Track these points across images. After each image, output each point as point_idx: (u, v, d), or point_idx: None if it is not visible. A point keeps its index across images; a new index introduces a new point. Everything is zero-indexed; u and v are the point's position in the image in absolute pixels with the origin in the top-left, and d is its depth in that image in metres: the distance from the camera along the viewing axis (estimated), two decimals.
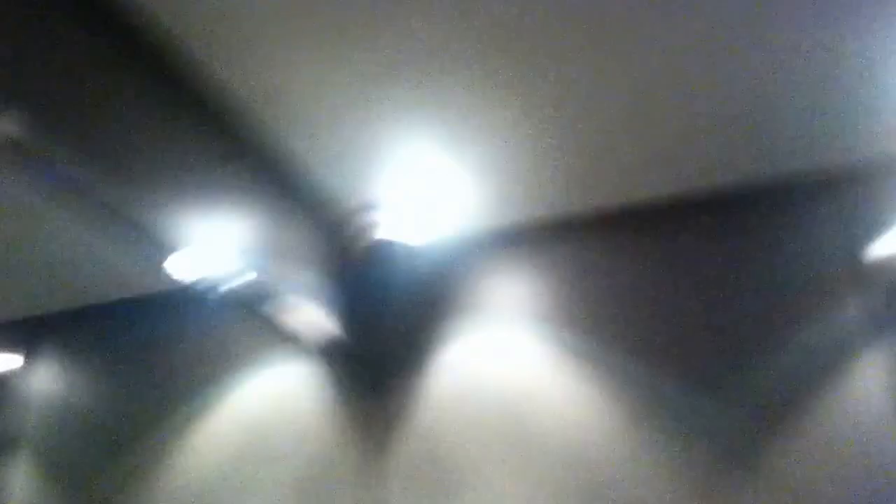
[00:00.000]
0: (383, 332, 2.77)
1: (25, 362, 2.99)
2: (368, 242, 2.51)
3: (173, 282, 2.14)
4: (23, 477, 2.97)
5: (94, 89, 1.76)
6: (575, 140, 2.27)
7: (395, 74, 2.02)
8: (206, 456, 2.74)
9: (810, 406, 2.16)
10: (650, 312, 2.42)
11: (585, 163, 2.37)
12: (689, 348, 2.33)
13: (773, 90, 2.03)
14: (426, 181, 2.44)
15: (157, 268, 2.02)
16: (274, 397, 2.73)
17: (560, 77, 2.03)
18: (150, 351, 2.95)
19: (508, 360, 2.54)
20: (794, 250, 2.32)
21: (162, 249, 1.93)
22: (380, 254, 2.53)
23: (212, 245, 2.05)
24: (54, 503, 2.89)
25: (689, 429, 2.25)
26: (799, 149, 2.26)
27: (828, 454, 2.10)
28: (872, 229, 2.24)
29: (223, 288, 2.07)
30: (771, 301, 2.29)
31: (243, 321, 2.71)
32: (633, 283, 2.47)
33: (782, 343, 2.24)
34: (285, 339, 2.47)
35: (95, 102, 1.76)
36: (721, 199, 2.45)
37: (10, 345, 3.00)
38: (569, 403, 2.40)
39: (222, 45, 1.93)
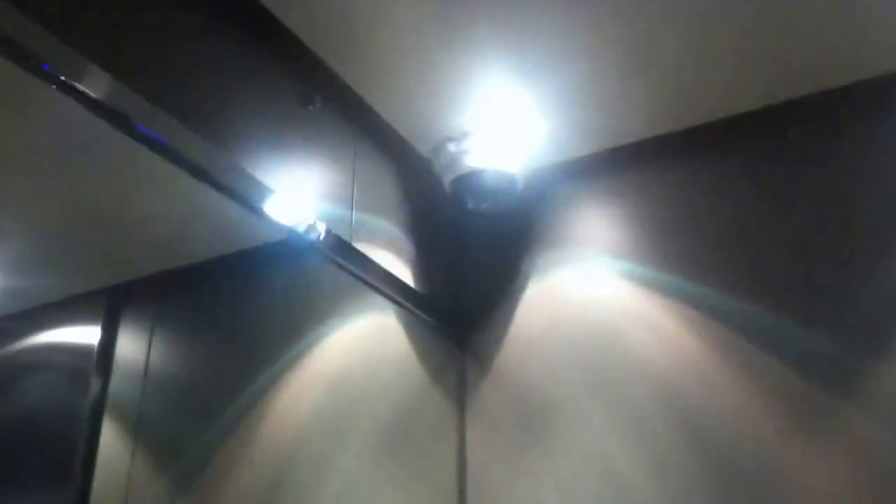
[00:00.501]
0: (466, 275, 2.72)
1: (112, 330, 3.01)
2: (457, 173, 2.46)
3: (259, 237, 2.15)
4: (111, 446, 3.00)
5: (173, 46, 1.73)
6: (665, 59, 2.17)
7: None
8: (292, 413, 2.71)
9: None
10: (737, 239, 2.29)
11: (675, 82, 2.26)
12: (781, 274, 2.20)
13: None
14: (512, 111, 2.36)
15: (243, 223, 2.03)
16: (358, 349, 2.66)
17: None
18: (237, 311, 2.91)
19: (594, 297, 2.44)
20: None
21: (248, 202, 1.93)
22: (469, 184, 2.48)
23: (298, 194, 2.00)
24: (144, 471, 2.92)
25: (787, 359, 2.11)
26: None
27: None
28: None
29: (312, 237, 2.06)
30: (871, 218, 2.14)
31: (328, 272, 2.71)
32: (717, 208, 2.35)
33: (884, 262, 2.09)
34: (369, 288, 2.46)
35: (175, 58, 1.73)
36: (813, 109, 2.29)
37: (96, 314, 3.02)
38: (658, 339, 2.29)
39: None
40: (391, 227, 2.46)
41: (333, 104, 2.25)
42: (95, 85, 1.47)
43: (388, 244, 2.43)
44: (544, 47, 2.12)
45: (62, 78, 1.41)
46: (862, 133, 2.23)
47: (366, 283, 2.35)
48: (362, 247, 2.27)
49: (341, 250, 2.18)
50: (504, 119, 2.39)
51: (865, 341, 2.06)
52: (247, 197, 1.87)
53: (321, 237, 2.05)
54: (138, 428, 2.94)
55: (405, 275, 2.47)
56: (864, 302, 2.09)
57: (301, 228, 2.01)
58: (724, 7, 1.99)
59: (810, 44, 2.12)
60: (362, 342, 2.69)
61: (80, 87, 1.43)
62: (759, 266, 2.25)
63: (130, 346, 3.03)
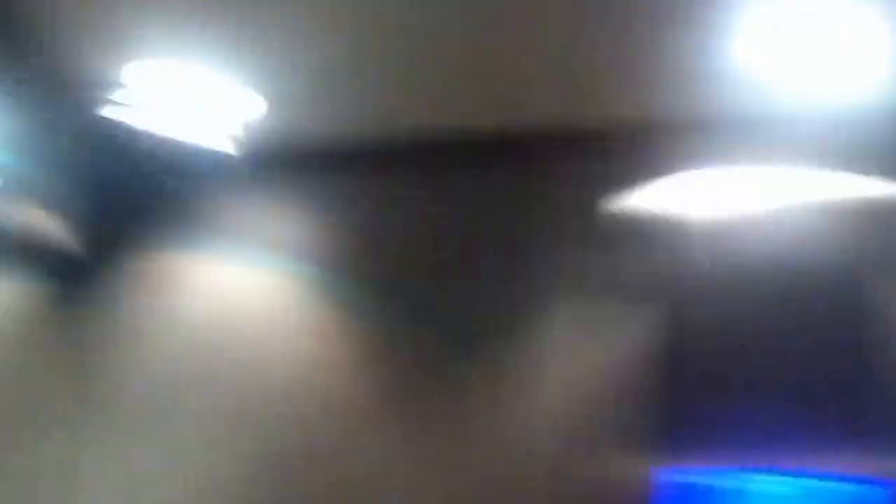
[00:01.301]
0: (109, 240, 2.62)
1: None
2: (115, 127, 2.28)
3: None
4: None
5: None
6: (363, 63, 2.16)
7: None
8: None
9: (516, 342, 2.33)
10: (386, 250, 2.49)
11: (378, 88, 2.28)
12: (421, 289, 2.44)
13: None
14: (190, 72, 2.17)
15: None
16: None
17: None
18: None
19: (241, 291, 2.54)
20: (535, 198, 2.42)
21: None
22: (127, 142, 2.33)
23: None
24: None
25: (410, 360, 2.40)
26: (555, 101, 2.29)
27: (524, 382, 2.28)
28: (616, 189, 2.35)
29: None
30: (507, 248, 2.39)
31: None
32: (377, 220, 2.52)
33: (499, 283, 2.38)
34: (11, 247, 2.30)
35: None
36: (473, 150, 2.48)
37: None
38: (297, 338, 2.46)
39: None
40: (44, 179, 2.34)
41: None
42: None
43: (40, 198, 2.34)
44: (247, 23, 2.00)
45: None
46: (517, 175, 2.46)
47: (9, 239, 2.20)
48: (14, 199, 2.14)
49: None
50: (186, 79, 2.21)
51: (468, 349, 2.36)
52: None
53: None
54: None
55: (50, 233, 2.39)
56: (473, 312, 2.39)
57: None
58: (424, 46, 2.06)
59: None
60: None
61: None
62: (406, 278, 2.47)
63: None
